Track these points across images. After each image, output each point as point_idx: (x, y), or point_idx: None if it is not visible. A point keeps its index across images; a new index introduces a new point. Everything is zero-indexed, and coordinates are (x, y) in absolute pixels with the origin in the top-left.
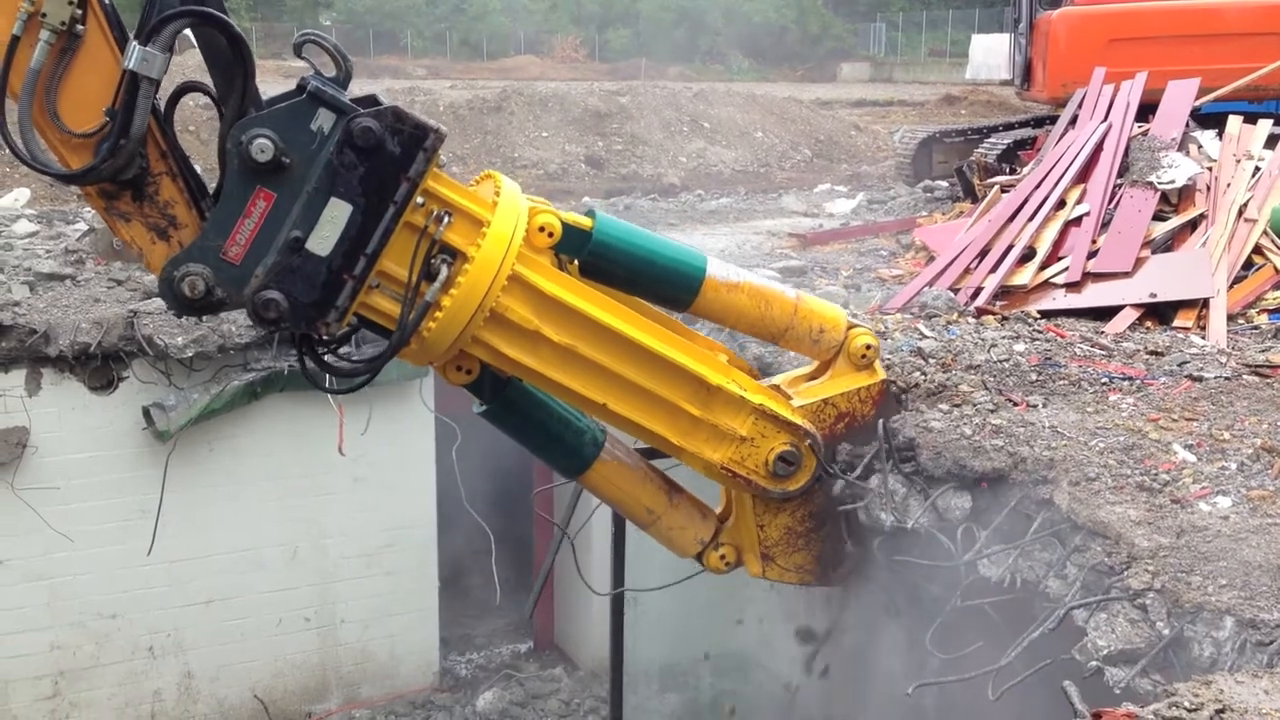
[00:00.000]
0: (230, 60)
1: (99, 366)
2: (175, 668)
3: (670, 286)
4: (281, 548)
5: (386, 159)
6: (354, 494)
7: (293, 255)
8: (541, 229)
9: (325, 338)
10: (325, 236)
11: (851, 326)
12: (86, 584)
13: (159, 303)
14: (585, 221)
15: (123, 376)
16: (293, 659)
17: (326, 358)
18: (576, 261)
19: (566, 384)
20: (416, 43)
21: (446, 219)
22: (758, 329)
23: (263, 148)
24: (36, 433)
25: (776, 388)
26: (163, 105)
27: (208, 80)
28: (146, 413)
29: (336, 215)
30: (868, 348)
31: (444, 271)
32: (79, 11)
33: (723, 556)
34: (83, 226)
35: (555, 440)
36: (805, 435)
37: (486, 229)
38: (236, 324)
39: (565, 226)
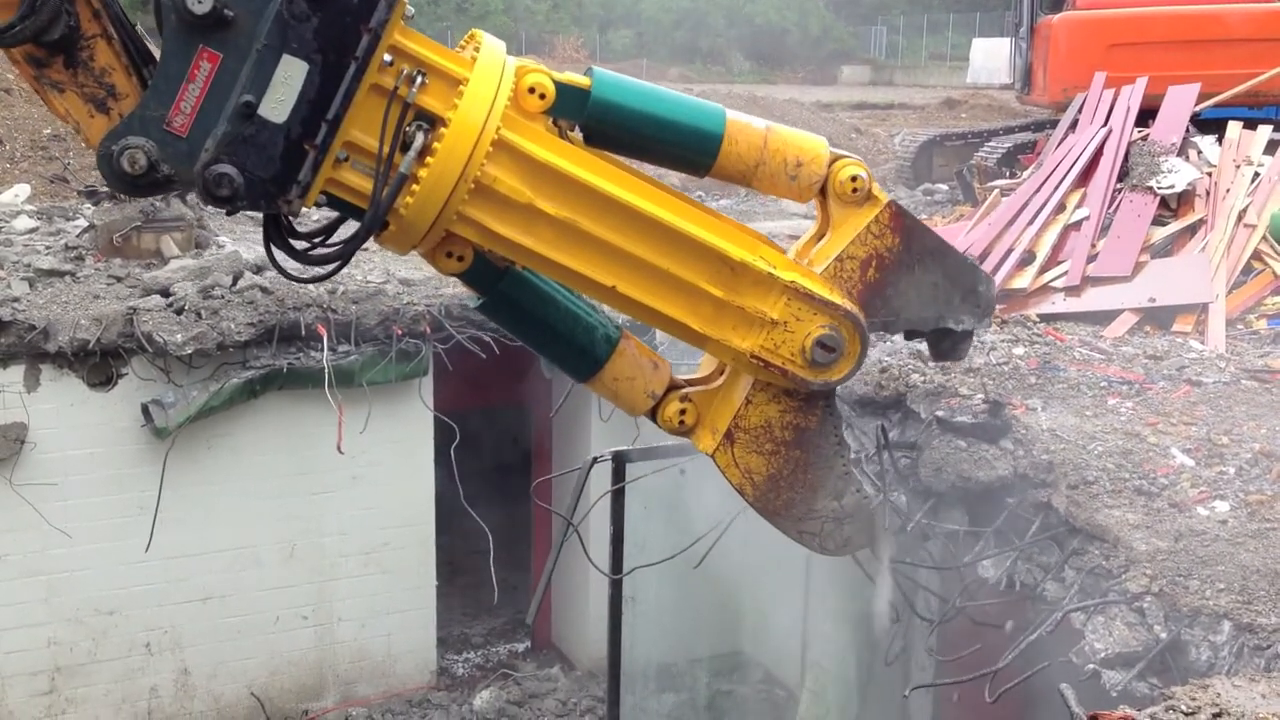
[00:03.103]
0: None
1: (98, 363)
2: (172, 664)
3: (686, 149)
4: (279, 545)
5: (343, 7)
6: (352, 492)
7: (245, 123)
8: (532, 90)
9: (290, 218)
10: (280, 100)
11: (835, 159)
12: (84, 580)
13: (157, 299)
14: (583, 81)
15: (122, 373)
16: (290, 656)
17: (298, 246)
18: (578, 129)
19: (568, 264)
20: None
21: (420, 79)
22: (722, 169)
23: None
24: (35, 429)
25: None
26: None
27: None
28: (145, 409)
29: (291, 75)
30: (854, 179)
31: (419, 139)
32: None
33: (682, 413)
34: (82, 223)
35: (563, 338)
36: (846, 315)
37: (465, 88)
38: (236, 321)
39: (559, 86)
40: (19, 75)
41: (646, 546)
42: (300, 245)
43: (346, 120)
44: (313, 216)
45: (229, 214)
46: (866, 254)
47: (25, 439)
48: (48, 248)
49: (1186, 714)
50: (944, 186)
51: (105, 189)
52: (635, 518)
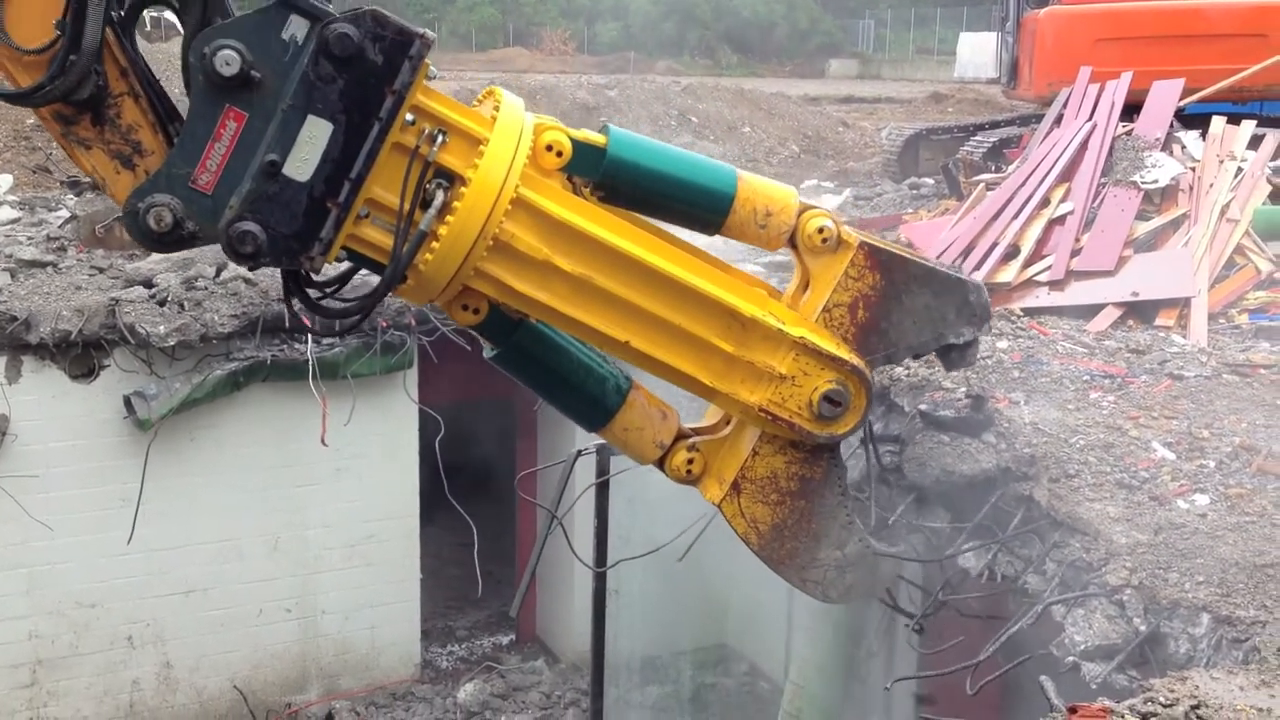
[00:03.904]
0: None
1: (80, 354)
2: (154, 657)
3: (698, 207)
4: (262, 538)
5: (368, 70)
6: (336, 485)
7: (269, 182)
8: (549, 148)
9: (312, 274)
10: (304, 159)
11: (803, 209)
12: (66, 573)
13: (140, 291)
14: (598, 138)
15: (104, 365)
16: (272, 649)
17: (316, 299)
18: (591, 185)
19: (584, 320)
20: None
21: (440, 138)
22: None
23: (228, 60)
24: (16, 420)
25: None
26: (123, 18)
27: None
28: (128, 401)
29: (315, 135)
30: (821, 230)
31: (440, 197)
32: None
33: (690, 462)
34: (64, 214)
35: (575, 388)
36: (853, 370)
37: (485, 147)
38: (219, 313)
39: (576, 144)
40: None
41: (630, 539)
42: (314, 294)
43: (368, 178)
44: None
45: (251, 270)
46: (851, 298)
47: (6, 431)
48: (29, 238)
49: (1165, 706)
50: (930, 180)
51: (88, 180)
52: (619, 511)
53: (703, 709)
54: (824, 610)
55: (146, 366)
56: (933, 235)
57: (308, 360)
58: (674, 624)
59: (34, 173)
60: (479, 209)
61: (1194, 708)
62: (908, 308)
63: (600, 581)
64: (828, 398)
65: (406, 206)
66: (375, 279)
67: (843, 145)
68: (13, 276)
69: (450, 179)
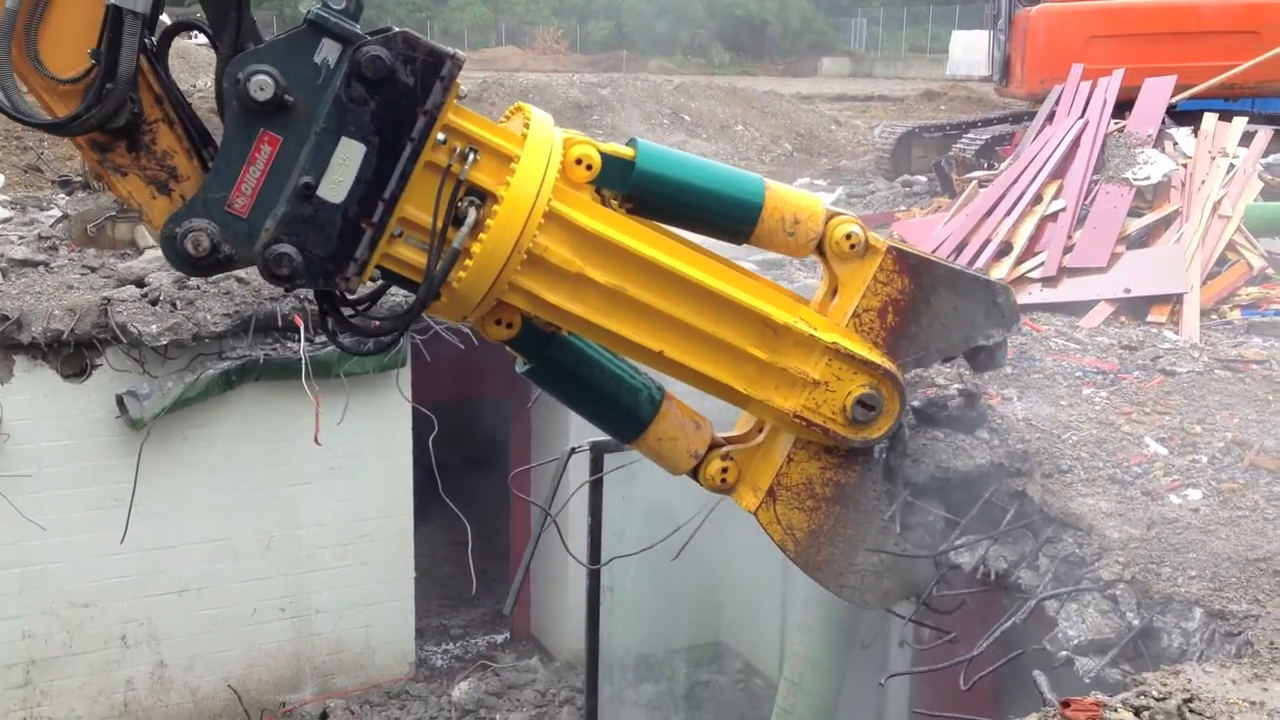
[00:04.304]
0: None
1: (72, 354)
2: (148, 657)
3: (727, 217)
4: (256, 537)
5: (400, 91)
6: (330, 484)
7: (304, 204)
8: (579, 161)
9: (347, 294)
10: (338, 181)
11: (830, 216)
12: (59, 572)
13: (132, 290)
14: (627, 151)
15: (96, 364)
16: (267, 649)
17: (350, 317)
18: (620, 197)
19: (617, 330)
20: None
21: (472, 156)
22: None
23: (262, 84)
24: (9, 420)
25: None
26: (156, 46)
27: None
28: (120, 401)
29: (349, 157)
30: (849, 236)
31: (472, 214)
32: None
33: (724, 470)
34: (56, 213)
35: (608, 400)
36: (886, 374)
37: (516, 165)
38: (211, 312)
39: (605, 158)
40: None
41: (625, 537)
42: (347, 311)
43: (402, 198)
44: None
45: (287, 291)
46: (881, 303)
47: None
48: (21, 238)
49: (1157, 700)
50: (923, 178)
51: (79, 178)
52: (613, 508)
53: (697, 706)
54: (818, 606)
55: (139, 366)
56: (925, 233)
57: (301, 359)
58: (668, 621)
59: (25, 172)
60: (513, 224)
61: (1186, 701)
62: (936, 311)
63: (595, 579)
64: (861, 402)
65: (440, 224)
66: (406, 294)
67: (835, 143)
68: (4, 276)
69: (482, 196)
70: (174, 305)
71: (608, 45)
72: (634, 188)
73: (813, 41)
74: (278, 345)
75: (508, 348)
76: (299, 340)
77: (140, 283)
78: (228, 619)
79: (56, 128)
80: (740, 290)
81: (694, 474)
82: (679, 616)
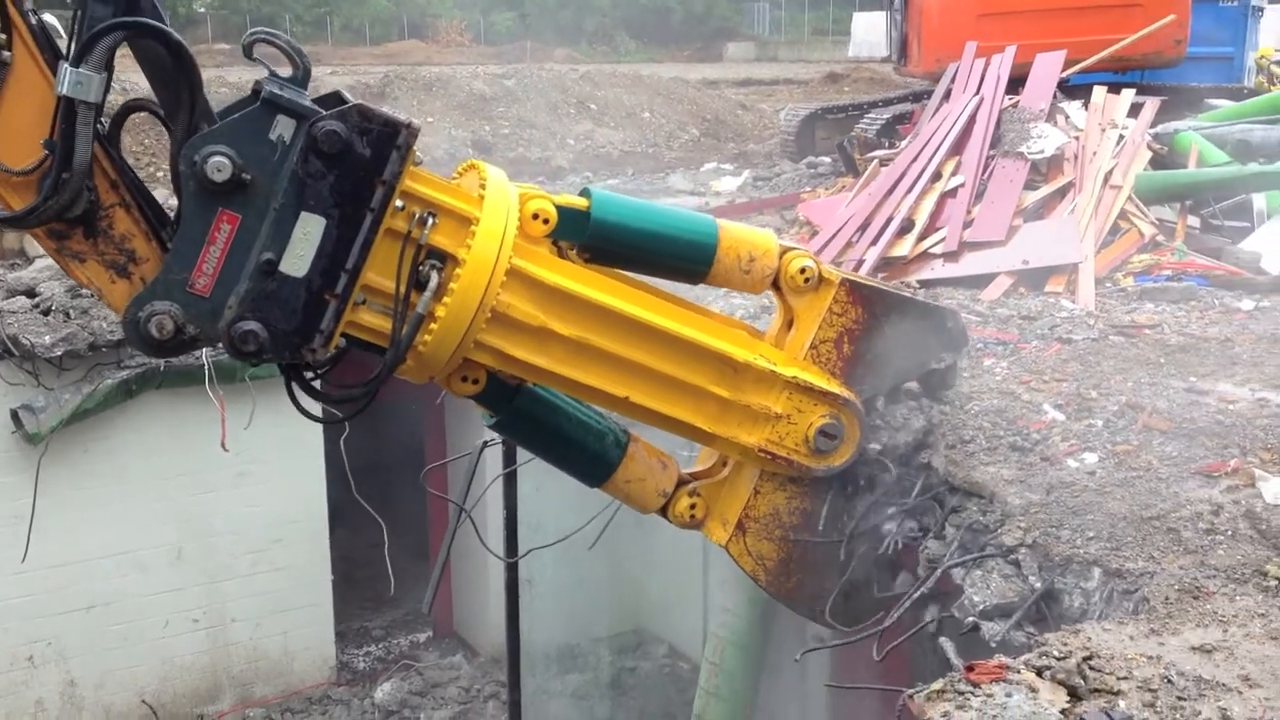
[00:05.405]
0: (173, 72)
1: None
2: (57, 676)
3: (684, 259)
4: (165, 548)
5: (357, 163)
6: (239, 490)
7: (267, 280)
8: (535, 216)
9: (312, 364)
10: (300, 255)
11: (785, 251)
12: None
13: (23, 301)
14: (581, 202)
15: None
16: (181, 661)
17: (316, 385)
18: (577, 247)
19: (583, 380)
20: (296, 28)
21: (431, 220)
22: None
23: (219, 166)
24: None
25: None
26: (108, 129)
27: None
28: (15, 415)
29: (310, 231)
30: (803, 270)
31: (434, 278)
32: (3, 36)
33: (692, 507)
34: None
35: (576, 447)
36: (846, 403)
37: (475, 226)
38: (108, 320)
39: (560, 210)
40: None
41: (541, 528)
42: (308, 375)
43: (364, 266)
44: None
45: (254, 365)
46: (836, 333)
47: None
48: None
49: (1058, 659)
50: (827, 159)
51: None
52: (529, 500)
53: (623, 694)
54: (737, 587)
55: (33, 378)
56: (830, 212)
57: (203, 365)
58: (590, 610)
59: None
60: (476, 285)
61: (1086, 659)
62: (890, 338)
63: (512, 572)
64: (823, 432)
65: (402, 290)
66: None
67: (742, 127)
68: None
69: (443, 259)
70: (67, 315)
71: (512, 36)
72: (590, 237)
73: (717, 27)
74: None
75: (474, 403)
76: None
77: (31, 293)
78: (139, 633)
79: (14, 221)
80: (700, 331)
81: (663, 512)
82: (600, 605)
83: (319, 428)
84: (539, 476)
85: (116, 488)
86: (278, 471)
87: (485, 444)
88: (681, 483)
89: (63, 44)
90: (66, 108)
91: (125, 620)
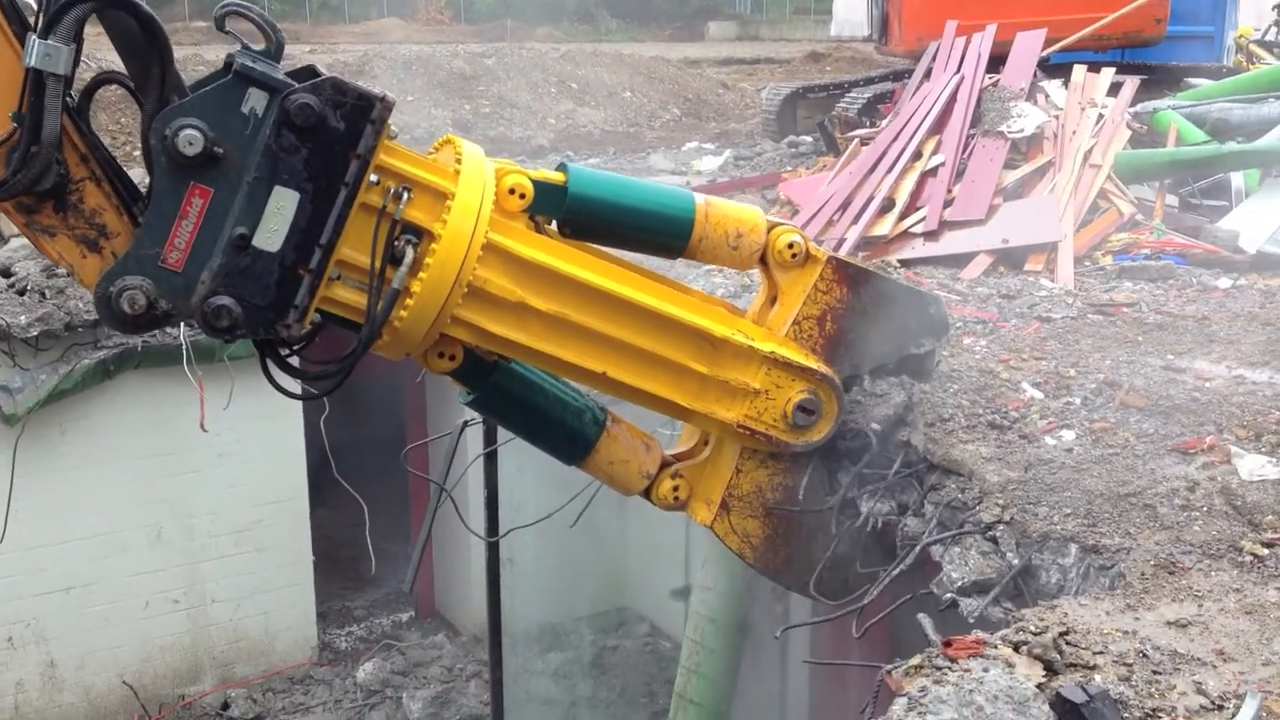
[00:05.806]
0: (144, 45)
1: None
2: (37, 657)
3: (662, 234)
4: (145, 529)
5: (330, 137)
6: (219, 470)
7: (240, 254)
8: (512, 191)
9: (287, 340)
10: (273, 230)
11: (772, 227)
12: None
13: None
14: (558, 177)
15: None
16: (162, 642)
17: (292, 361)
18: (555, 222)
19: (560, 355)
20: (274, 6)
21: (406, 195)
22: None
23: (191, 139)
24: None
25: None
26: (78, 102)
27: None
28: None
29: (283, 205)
30: (791, 245)
31: (410, 253)
32: None
33: (675, 489)
34: None
35: (555, 424)
36: (823, 378)
37: (451, 201)
38: (84, 300)
39: (537, 185)
40: None
41: (522, 507)
42: (296, 362)
43: (338, 241)
44: None
45: (228, 342)
46: (820, 311)
47: None
48: None
49: (1034, 635)
50: (808, 138)
51: None
52: (510, 479)
53: (605, 672)
54: (718, 565)
55: (9, 359)
56: (811, 191)
57: (181, 344)
58: (571, 589)
59: None
60: (452, 260)
61: (1062, 634)
62: (873, 320)
63: (493, 551)
64: (801, 407)
65: (377, 265)
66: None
67: (724, 106)
68: None
69: (418, 234)
70: (43, 295)
71: (493, 15)
72: (568, 212)
73: (698, 6)
74: (157, 331)
75: (451, 379)
76: (179, 325)
77: (6, 272)
78: (119, 614)
79: None
80: (678, 307)
81: (646, 494)
82: (582, 584)
83: (299, 407)
84: (520, 456)
85: (95, 469)
86: (258, 452)
87: (466, 423)
88: (664, 464)
89: (32, 17)
90: (35, 80)
91: (105, 601)
